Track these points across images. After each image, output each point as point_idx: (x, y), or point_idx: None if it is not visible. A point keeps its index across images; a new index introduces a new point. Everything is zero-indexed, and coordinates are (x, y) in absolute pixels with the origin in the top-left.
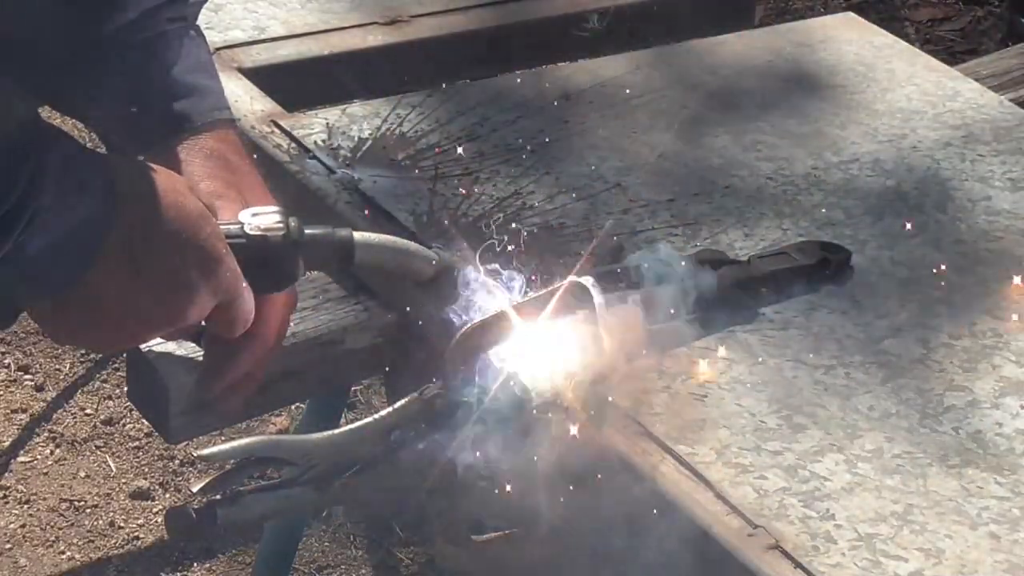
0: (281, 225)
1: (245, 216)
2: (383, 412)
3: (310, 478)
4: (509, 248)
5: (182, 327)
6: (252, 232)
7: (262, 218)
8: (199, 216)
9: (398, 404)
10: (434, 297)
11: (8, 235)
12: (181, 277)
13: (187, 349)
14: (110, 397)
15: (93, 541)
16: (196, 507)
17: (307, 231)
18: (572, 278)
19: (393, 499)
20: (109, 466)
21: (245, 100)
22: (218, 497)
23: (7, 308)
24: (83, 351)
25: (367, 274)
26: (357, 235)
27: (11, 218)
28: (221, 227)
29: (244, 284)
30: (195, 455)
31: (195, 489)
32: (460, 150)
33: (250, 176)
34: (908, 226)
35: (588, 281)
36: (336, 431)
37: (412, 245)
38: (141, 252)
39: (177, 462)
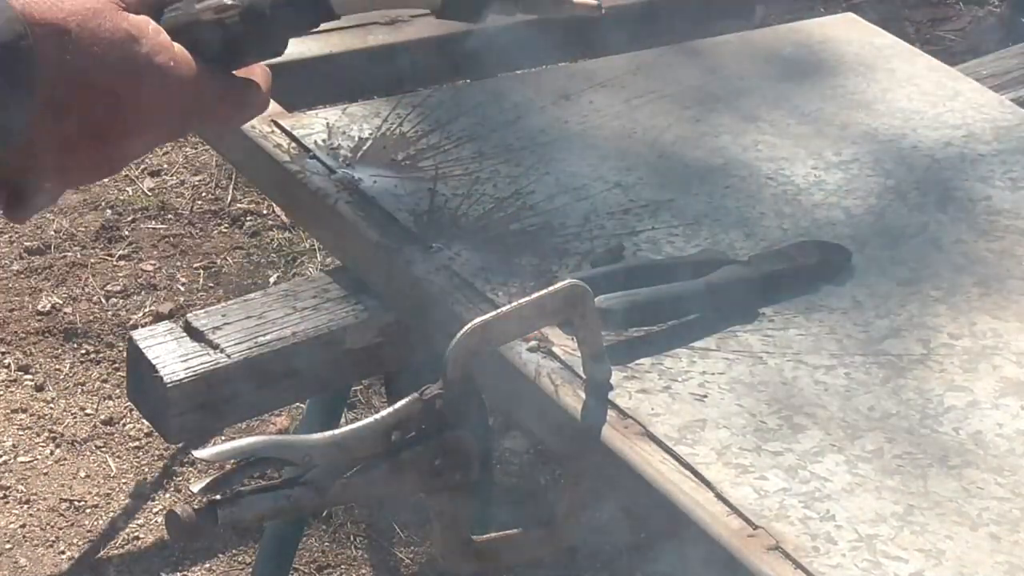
0: (235, 1)
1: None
2: (383, 412)
3: (310, 478)
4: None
5: (158, 140)
6: (206, 19)
7: None
8: (128, 37)
9: (398, 404)
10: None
11: None
12: (129, 115)
13: (187, 349)
14: (110, 397)
15: (93, 541)
16: (196, 507)
17: None
18: (571, 280)
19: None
20: (109, 466)
21: None
22: (218, 497)
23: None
24: (83, 352)
25: (366, 274)
26: None
27: None
28: (169, 16)
29: (215, 76)
30: (194, 455)
31: (195, 489)
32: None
33: None
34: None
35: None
36: (336, 431)
37: None
38: (74, 102)
39: (177, 462)
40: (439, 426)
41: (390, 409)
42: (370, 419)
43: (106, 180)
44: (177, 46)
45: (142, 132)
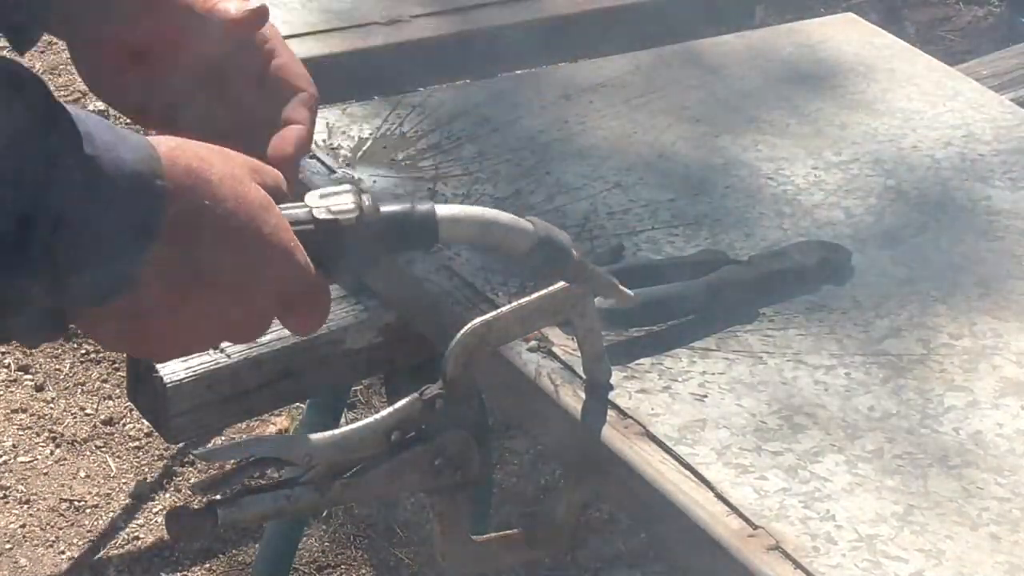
0: (354, 206)
1: (312, 198)
2: (383, 412)
3: (310, 478)
4: None
5: (247, 331)
6: (321, 216)
7: (332, 199)
8: (260, 206)
9: (398, 404)
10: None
11: (30, 240)
12: (244, 279)
13: None
14: (110, 397)
15: (93, 541)
16: (196, 507)
17: (383, 209)
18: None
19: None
20: (109, 466)
21: None
22: (218, 497)
23: (54, 319)
24: (83, 352)
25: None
26: (440, 209)
27: (31, 219)
28: (285, 212)
29: (318, 277)
30: (194, 455)
31: (195, 489)
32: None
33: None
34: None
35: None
36: (336, 431)
37: (503, 216)
38: (196, 253)
39: (177, 462)
40: (439, 426)
41: (390, 409)
42: (370, 419)
43: None
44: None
45: (245, 302)
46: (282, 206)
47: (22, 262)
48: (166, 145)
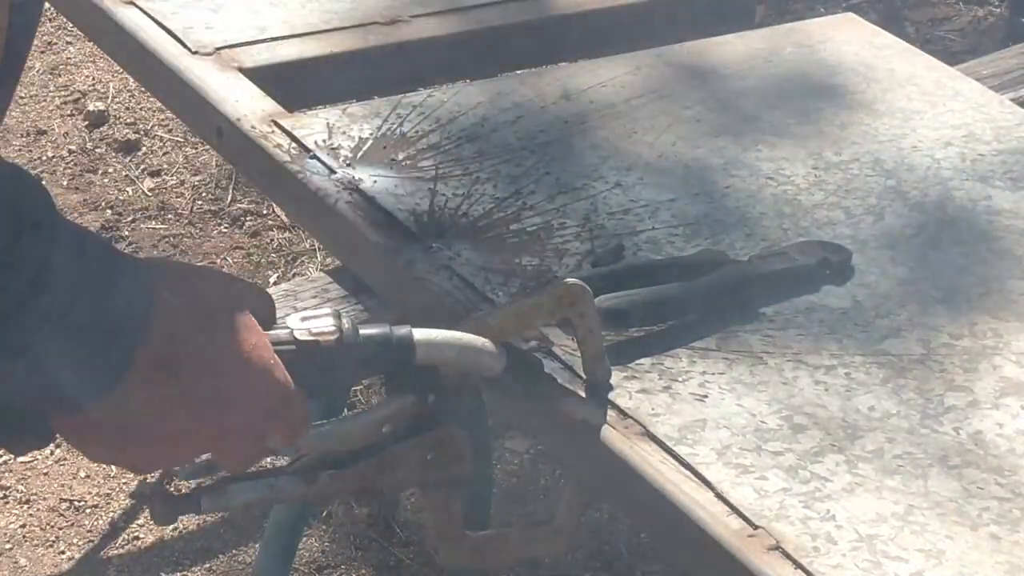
0: (334, 328)
1: (294, 321)
2: (375, 405)
3: (298, 468)
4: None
5: (229, 448)
6: (302, 338)
7: (313, 322)
8: (243, 324)
9: (391, 398)
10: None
11: (11, 340)
12: (225, 393)
13: None
14: None
15: (93, 541)
16: (181, 493)
17: (363, 332)
18: (570, 280)
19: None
20: (109, 466)
21: (245, 100)
22: (203, 483)
23: (39, 428)
24: None
25: (366, 274)
26: (417, 333)
27: (14, 319)
28: (268, 334)
29: (297, 394)
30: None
31: (181, 475)
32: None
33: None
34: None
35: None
36: (326, 422)
37: (477, 340)
38: (179, 366)
39: None
40: (432, 421)
41: (382, 402)
42: (361, 412)
43: (106, 180)
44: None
45: (226, 416)
46: (267, 331)
47: (5, 353)
48: (156, 266)
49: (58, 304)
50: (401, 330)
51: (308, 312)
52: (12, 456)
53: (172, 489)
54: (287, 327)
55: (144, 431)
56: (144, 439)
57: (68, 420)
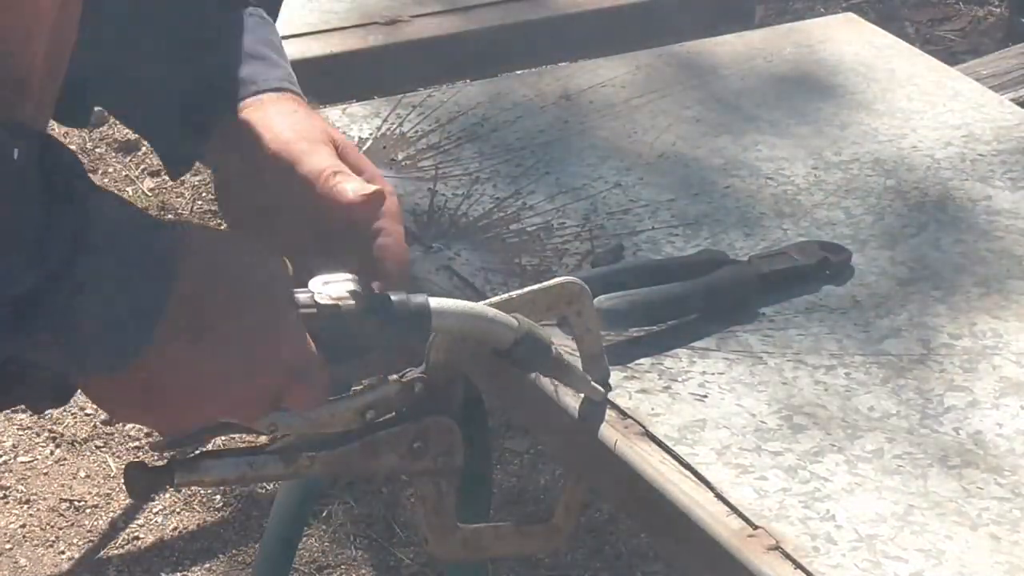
0: (354, 293)
1: (315, 284)
2: (359, 390)
3: (276, 448)
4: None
5: (251, 407)
6: (323, 302)
7: (333, 286)
8: (271, 280)
9: (374, 383)
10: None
11: (51, 303)
12: (254, 353)
13: None
14: None
15: (93, 541)
16: (154, 465)
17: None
18: (565, 277)
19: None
20: (109, 466)
21: None
22: (177, 457)
23: (60, 385)
24: None
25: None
26: (433, 302)
27: (55, 281)
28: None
29: (318, 356)
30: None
31: (154, 447)
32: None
33: (336, 132)
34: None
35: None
36: None
37: (490, 311)
38: (206, 322)
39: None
40: (419, 410)
41: (364, 387)
42: (343, 397)
43: (106, 180)
44: None
45: (252, 372)
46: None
47: (41, 323)
48: (184, 228)
49: (93, 271)
50: (418, 298)
51: (328, 276)
52: (12, 456)
53: (148, 463)
54: (308, 291)
55: (170, 390)
56: (170, 398)
57: (95, 381)
